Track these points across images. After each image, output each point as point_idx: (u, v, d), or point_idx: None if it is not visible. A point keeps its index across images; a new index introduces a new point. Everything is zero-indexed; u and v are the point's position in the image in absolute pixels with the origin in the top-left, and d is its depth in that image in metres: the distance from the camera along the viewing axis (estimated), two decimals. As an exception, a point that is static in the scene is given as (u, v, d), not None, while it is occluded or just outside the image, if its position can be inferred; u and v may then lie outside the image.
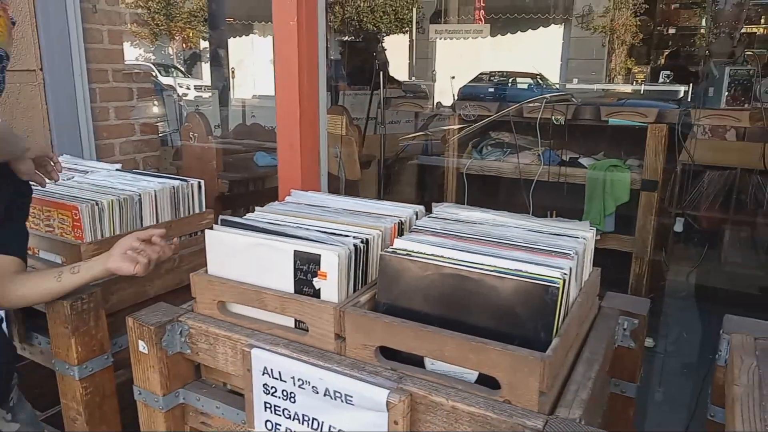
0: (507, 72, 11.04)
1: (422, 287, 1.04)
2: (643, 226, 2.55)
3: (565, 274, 0.97)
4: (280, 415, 1.08)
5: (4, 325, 1.45)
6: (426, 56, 15.73)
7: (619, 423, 1.29)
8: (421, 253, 1.07)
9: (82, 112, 2.42)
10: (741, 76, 2.51)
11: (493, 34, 14.67)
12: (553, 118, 2.83)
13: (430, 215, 1.30)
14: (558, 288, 0.94)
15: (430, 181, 3.35)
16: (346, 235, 1.14)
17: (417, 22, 16.29)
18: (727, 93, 2.54)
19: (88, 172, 1.78)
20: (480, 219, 1.25)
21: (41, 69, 2.29)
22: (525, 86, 9.79)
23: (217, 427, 1.21)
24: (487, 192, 3.04)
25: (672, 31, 15.08)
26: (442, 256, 1.05)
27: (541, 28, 14.94)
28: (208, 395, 1.21)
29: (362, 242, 1.13)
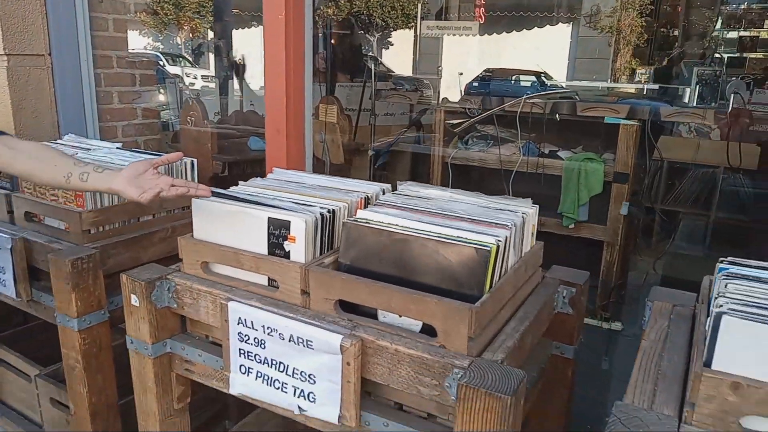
0: (509, 69, 11.15)
1: (377, 251, 1.19)
2: (614, 216, 2.69)
3: (499, 241, 1.12)
4: (252, 360, 1.23)
5: None
6: (432, 52, 15.83)
7: (559, 381, 1.45)
8: (378, 221, 1.22)
9: (87, 95, 2.58)
10: (708, 76, 2.65)
11: (498, 31, 14.77)
12: (556, 115, 2.98)
13: (394, 192, 1.45)
14: (489, 252, 1.09)
15: (419, 170, 3.49)
16: (315, 206, 1.29)
17: (422, 18, 16.38)
18: (695, 92, 2.68)
19: (90, 149, 1.93)
20: (437, 196, 1.40)
21: (50, 54, 2.44)
22: (528, 84, 9.90)
23: (199, 372, 1.36)
24: (469, 180, 3.18)
25: (677, 32, 15.13)
26: (395, 224, 1.20)
27: (547, 26, 15.01)
28: (191, 345, 1.36)
29: (329, 212, 1.28)
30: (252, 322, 1.21)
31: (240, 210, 1.30)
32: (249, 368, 1.24)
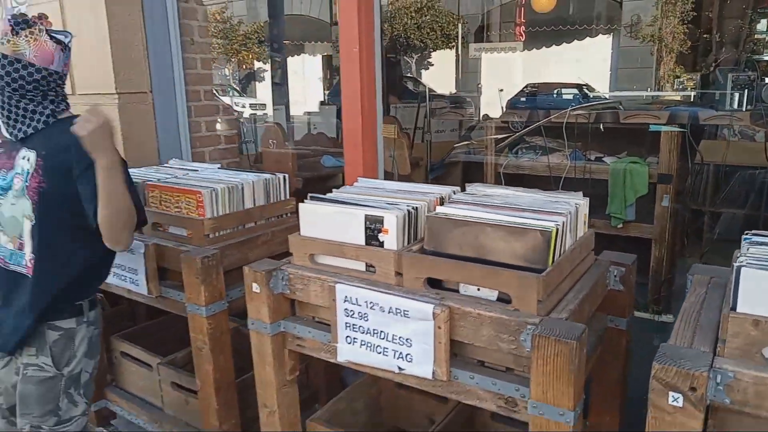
0: (552, 83, 11.31)
1: (455, 237, 1.45)
2: (660, 213, 2.88)
3: (558, 225, 1.37)
4: (356, 331, 1.51)
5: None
6: (472, 70, 16.12)
7: (615, 350, 1.67)
8: (455, 214, 1.48)
9: (182, 125, 2.96)
10: (742, 81, 2.81)
11: (538, 46, 14.96)
12: (601, 125, 3.20)
13: (464, 192, 1.72)
14: (551, 233, 1.34)
15: (471, 180, 3.72)
16: (402, 205, 1.57)
17: (462, 38, 16.68)
18: (732, 97, 2.84)
19: (198, 170, 2.28)
20: (501, 193, 1.66)
21: (151, 91, 2.83)
22: (570, 96, 10.04)
23: (308, 347, 1.65)
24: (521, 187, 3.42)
25: (720, 38, 14.95)
26: (470, 215, 1.46)
27: (587, 38, 15.11)
28: (302, 324, 1.65)
29: (413, 209, 1.56)
30: (356, 299, 1.48)
31: (340, 210, 1.59)
32: (354, 338, 1.52)
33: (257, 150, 3.63)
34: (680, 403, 1.07)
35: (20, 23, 1.62)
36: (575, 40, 15.06)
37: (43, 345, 1.68)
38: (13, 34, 1.61)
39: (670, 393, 1.07)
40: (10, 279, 1.70)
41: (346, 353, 1.54)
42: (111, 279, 2.11)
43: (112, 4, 2.61)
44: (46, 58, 1.64)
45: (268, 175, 2.12)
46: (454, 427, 1.90)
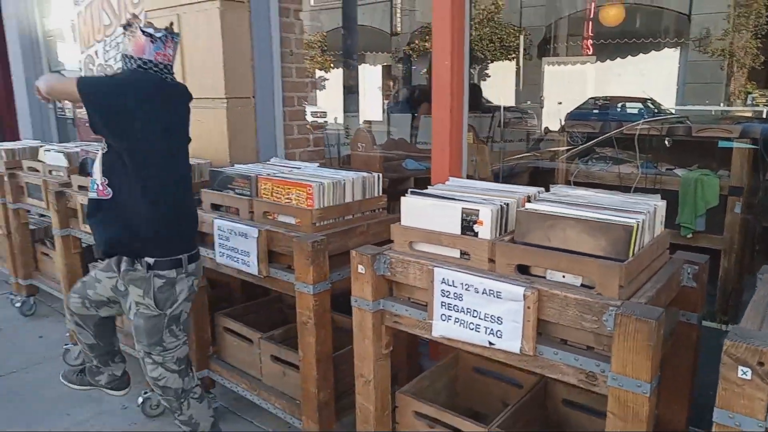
0: (616, 97, 11.24)
1: (544, 230, 1.65)
2: (730, 224, 2.96)
3: (638, 221, 1.55)
4: (451, 310, 1.72)
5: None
6: (533, 82, 16.12)
7: (686, 342, 1.82)
8: (543, 210, 1.68)
9: (279, 128, 3.26)
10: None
11: (602, 59, 14.83)
12: (666, 140, 3.31)
13: (549, 192, 1.91)
14: (632, 228, 1.52)
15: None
16: (495, 200, 1.78)
17: (524, 50, 16.70)
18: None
19: (300, 168, 2.55)
20: (583, 194, 1.84)
21: (254, 96, 3.15)
22: (635, 111, 9.96)
23: (405, 323, 1.87)
24: (591, 197, 3.56)
25: (798, 53, 14.42)
26: (557, 211, 1.66)
27: (653, 52, 14.89)
28: (399, 303, 1.88)
29: (505, 204, 1.76)
30: (453, 281, 1.70)
31: (439, 203, 1.81)
32: (448, 316, 1.73)
33: (339, 153, 3.91)
34: (749, 376, 1.23)
35: (125, 26, 2.07)
36: (641, 54, 14.85)
37: (149, 289, 2.06)
38: (123, 37, 2.08)
39: (740, 367, 1.23)
40: (91, 205, 2.14)
41: (441, 329, 1.76)
42: (225, 260, 2.41)
43: (225, 19, 2.93)
44: (138, 49, 2.05)
45: (365, 174, 2.37)
46: (526, 410, 2.08)
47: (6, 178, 3.82)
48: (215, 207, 2.57)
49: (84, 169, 3.12)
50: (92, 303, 2.30)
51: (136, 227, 2.05)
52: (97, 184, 2.08)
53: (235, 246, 2.34)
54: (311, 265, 2.04)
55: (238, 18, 2.99)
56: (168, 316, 2.11)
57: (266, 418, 2.75)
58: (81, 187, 3.10)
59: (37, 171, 3.63)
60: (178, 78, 3.16)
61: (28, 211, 3.90)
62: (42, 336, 3.75)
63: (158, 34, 2.07)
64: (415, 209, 1.87)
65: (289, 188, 2.25)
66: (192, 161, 3.02)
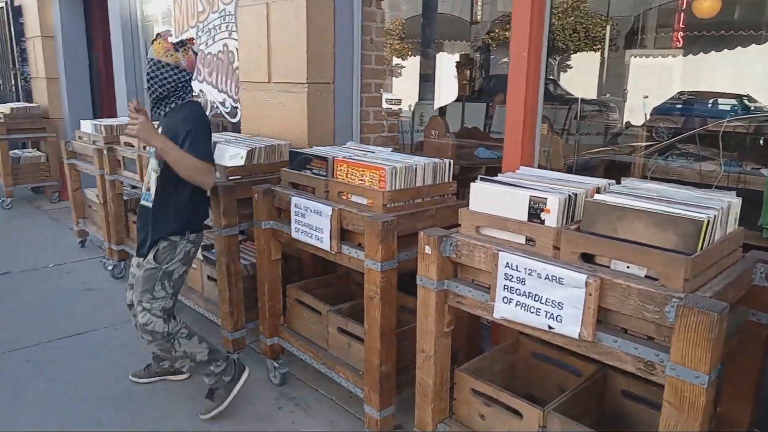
0: (707, 92, 10.65)
1: (611, 221, 1.67)
2: (817, 230, 2.81)
3: (709, 217, 1.55)
4: (513, 293, 1.78)
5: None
6: (617, 74, 15.49)
7: (754, 341, 1.79)
8: (612, 201, 1.70)
9: (355, 113, 3.38)
10: None
11: (694, 52, 14.05)
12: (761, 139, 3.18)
13: (619, 185, 1.92)
14: (702, 223, 1.52)
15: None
16: (563, 189, 1.81)
17: (610, 40, 16.05)
18: None
19: (374, 152, 2.66)
20: (655, 188, 1.84)
21: (333, 82, 3.28)
22: (727, 107, 9.42)
23: (467, 304, 1.94)
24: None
25: None
26: (625, 204, 1.67)
27: (753, 45, 13.94)
28: (463, 284, 1.95)
29: (573, 194, 1.79)
30: (516, 265, 1.75)
31: (507, 190, 1.86)
32: (510, 299, 1.79)
33: (412, 140, 3.99)
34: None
35: (178, 44, 2.53)
36: (738, 47, 13.94)
37: (154, 248, 2.56)
38: (174, 51, 2.50)
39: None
40: (143, 212, 2.65)
41: (502, 311, 1.82)
42: (300, 235, 2.56)
43: (311, 8, 3.07)
44: (190, 64, 2.57)
45: (436, 160, 2.44)
46: (584, 397, 2.10)
47: (105, 152, 4.16)
48: (293, 185, 2.72)
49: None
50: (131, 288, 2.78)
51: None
52: (151, 196, 2.60)
53: (310, 222, 2.49)
54: (380, 243, 2.14)
55: (323, 7, 3.12)
56: (162, 270, 2.55)
57: (330, 386, 2.91)
58: (172, 162, 3.34)
59: (133, 146, 3.93)
60: (265, 64, 3.34)
61: (122, 183, 4.23)
62: (132, 298, 4.09)
63: (197, 51, 2.50)
64: (483, 195, 1.93)
65: (363, 170, 2.36)
66: (273, 142, 3.20)
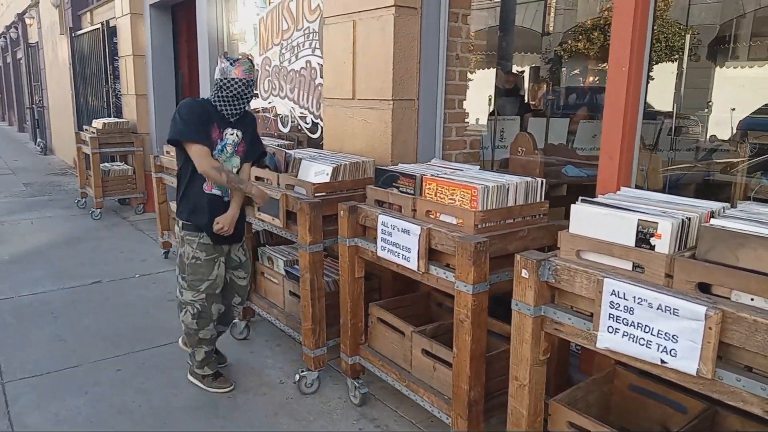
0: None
1: (731, 248, 1.54)
2: None
3: None
4: (620, 323, 1.68)
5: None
6: (698, 85, 14.75)
7: None
8: (731, 227, 1.58)
9: (438, 129, 3.35)
10: None
11: (794, 60, 13.14)
12: None
13: (735, 209, 1.78)
14: (844, 254, 1.38)
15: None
16: (676, 213, 1.70)
17: (690, 50, 15.33)
18: None
19: (462, 170, 2.61)
20: (779, 213, 1.69)
21: (417, 99, 3.26)
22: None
23: (566, 332, 1.85)
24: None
25: None
26: (747, 230, 1.54)
27: None
28: (561, 311, 1.86)
29: (687, 219, 1.68)
30: (624, 293, 1.65)
31: (612, 213, 1.77)
32: (616, 329, 1.69)
33: (493, 156, 3.92)
34: None
35: (233, 60, 2.82)
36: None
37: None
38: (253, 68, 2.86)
39: None
40: (224, 206, 2.92)
41: (607, 341, 1.72)
42: (385, 254, 2.54)
43: (399, 24, 3.07)
44: (255, 79, 3.04)
45: (528, 179, 2.37)
46: (691, 438, 1.96)
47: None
48: (379, 203, 2.71)
49: (261, 162, 3.43)
50: (218, 298, 3.10)
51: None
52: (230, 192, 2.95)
53: (396, 241, 2.46)
54: (473, 265, 2.09)
55: (410, 24, 3.12)
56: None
57: (410, 409, 2.86)
58: (258, 178, 3.42)
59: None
60: (349, 80, 3.37)
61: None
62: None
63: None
64: (585, 217, 1.84)
65: (453, 189, 2.32)
66: (357, 158, 3.21)
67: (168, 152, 5.08)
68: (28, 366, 3.39)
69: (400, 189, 2.59)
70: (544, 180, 2.41)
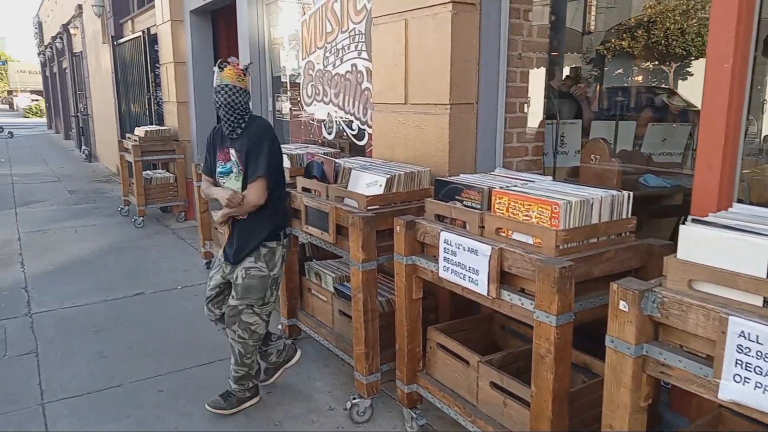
0: None
1: None
2: None
3: None
4: (751, 371, 1.39)
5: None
6: (755, 83, 14.01)
7: None
8: None
9: (499, 136, 3.09)
10: None
11: None
12: None
13: None
14: None
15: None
16: (817, 239, 1.41)
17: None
18: None
19: (534, 181, 2.34)
20: None
21: (476, 102, 3.00)
22: None
23: (676, 376, 1.57)
24: None
25: None
26: None
27: None
28: (670, 351, 1.58)
29: (834, 245, 1.38)
30: (757, 336, 1.37)
31: (736, 237, 1.48)
32: (746, 378, 1.40)
33: (555, 163, 3.62)
34: None
35: (246, 69, 2.76)
36: None
37: (259, 256, 2.77)
38: (243, 76, 2.72)
39: None
40: (235, 223, 2.83)
41: (732, 392, 1.43)
42: (449, 275, 2.29)
43: (456, 22, 2.82)
44: (249, 87, 2.77)
45: (614, 192, 2.09)
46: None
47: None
48: (439, 218, 2.47)
49: (309, 172, 3.23)
50: (212, 302, 2.97)
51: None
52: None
53: (462, 261, 2.21)
54: (556, 293, 1.82)
55: (468, 21, 2.87)
56: (272, 277, 2.80)
57: (475, 445, 2.60)
58: (305, 189, 3.22)
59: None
60: (401, 84, 3.14)
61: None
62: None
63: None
64: (699, 241, 1.56)
65: (529, 204, 2.05)
66: (411, 168, 2.98)
67: (209, 161, 4.94)
68: (70, 385, 3.26)
69: (465, 203, 2.34)
70: (631, 193, 2.12)
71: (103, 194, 9.51)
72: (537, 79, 3.23)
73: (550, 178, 2.42)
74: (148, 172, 7.42)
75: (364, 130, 4.06)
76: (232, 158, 2.76)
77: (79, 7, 13.11)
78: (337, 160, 3.20)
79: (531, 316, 1.94)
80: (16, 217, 7.70)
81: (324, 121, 4.70)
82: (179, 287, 4.91)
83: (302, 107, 5.01)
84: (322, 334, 3.28)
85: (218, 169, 2.82)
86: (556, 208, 1.96)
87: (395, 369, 2.73)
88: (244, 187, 2.74)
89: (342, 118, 4.39)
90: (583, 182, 2.94)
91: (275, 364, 3.16)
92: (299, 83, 4.99)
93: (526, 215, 2.07)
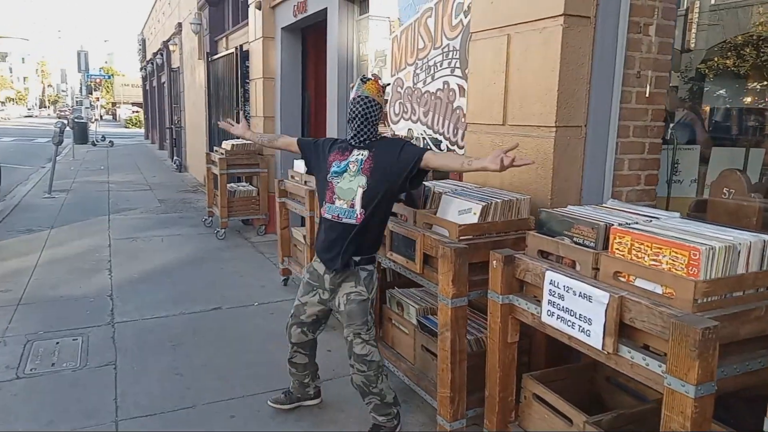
0: None
1: None
2: None
3: None
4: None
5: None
6: None
7: None
8: None
9: (609, 163, 2.77)
10: None
11: None
12: None
13: None
14: None
15: None
16: None
17: None
18: None
19: (659, 218, 2.03)
20: None
21: (585, 125, 2.71)
22: None
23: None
24: None
25: None
26: None
27: None
28: None
29: None
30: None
31: None
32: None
33: (668, 194, 3.23)
34: None
35: (384, 86, 2.71)
36: None
37: (359, 280, 2.69)
38: (383, 92, 2.71)
39: None
40: (342, 228, 2.65)
41: (546, 319, 1.07)
42: (554, 321, 2.01)
43: (567, 37, 2.55)
44: (384, 105, 2.75)
45: (765, 236, 1.74)
46: None
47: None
48: (542, 254, 2.19)
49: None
50: (309, 327, 2.87)
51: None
52: (357, 214, 2.62)
53: (571, 308, 1.93)
54: (697, 359, 1.50)
55: (581, 36, 2.59)
56: (370, 299, 2.71)
57: None
58: (391, 213, 3.02)
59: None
60: (499, 103, 2.89)
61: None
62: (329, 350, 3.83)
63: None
64: None
65: (659, 247, 1.74)
66: (508, 195, 2.71)
67: (293, 177, 4.88)
68: (143, 402, 3.20)
69: (575, 240, 2.06)
70: (783, 238, 1.76)
71: (190, 204, 9.78)
72: (656, 100, 2.88)
73: (678, 214, 2.09)
74: (232, 185, 7.52)
75: (454, 150, 3.83)
76: (353, 158, 2.67)
77: (179, 25, 13.77)
78: (426, 183, 2.98)
79: (659, 380, 1.63)
80: (108, 224, 8.01)
81: (410, 139, 4.51)
82: (256, 304, 4.85)
83: (388, 125, 4.85)
84: (402, 369, 3.05)
85: (332, 168, 2.71)
86: (695, 255, 1.64)
87: (482, 415, 2.46)
88: (371, 190, 2.61)
89: (429, 136, 4.18)
90: (712, 220, 2.56)
91: (301, 395, 3.13)
92: (387, 100, 4.84)
93: (654, 260, 1.76)
